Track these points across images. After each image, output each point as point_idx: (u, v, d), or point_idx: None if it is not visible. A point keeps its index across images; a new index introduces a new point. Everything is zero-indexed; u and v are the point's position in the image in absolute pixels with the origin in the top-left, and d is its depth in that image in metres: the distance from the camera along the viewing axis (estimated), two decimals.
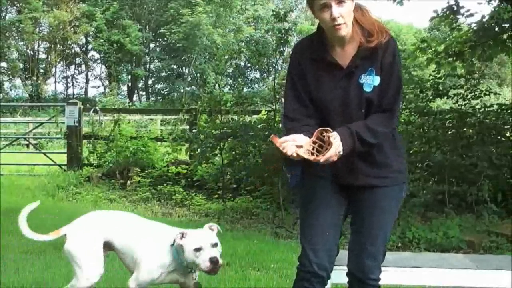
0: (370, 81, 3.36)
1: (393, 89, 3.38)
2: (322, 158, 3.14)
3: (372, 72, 3.36)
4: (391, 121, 3.40)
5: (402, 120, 9.98)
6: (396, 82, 3.39)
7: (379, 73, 3.36)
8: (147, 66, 46.65)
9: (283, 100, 3.69)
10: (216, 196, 10.95)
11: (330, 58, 3.40)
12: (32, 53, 42.94)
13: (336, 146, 3.16)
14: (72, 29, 40.66)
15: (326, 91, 3.40)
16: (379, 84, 3.35)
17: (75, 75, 48.49)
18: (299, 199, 3.72)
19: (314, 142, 3.24)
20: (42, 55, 44.07)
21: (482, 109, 9.84)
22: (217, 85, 37.07)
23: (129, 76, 45.24)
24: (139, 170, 12.39)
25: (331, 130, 3.21)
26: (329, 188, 3.50)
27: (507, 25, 9.97)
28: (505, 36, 10.13)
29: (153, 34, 44.73)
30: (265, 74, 47.03)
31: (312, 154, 3.20)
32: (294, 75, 3.49)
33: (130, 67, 44.22)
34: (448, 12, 10.48)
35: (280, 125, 10.09)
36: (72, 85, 48.36)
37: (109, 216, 4.30)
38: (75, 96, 44.74)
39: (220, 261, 3.83)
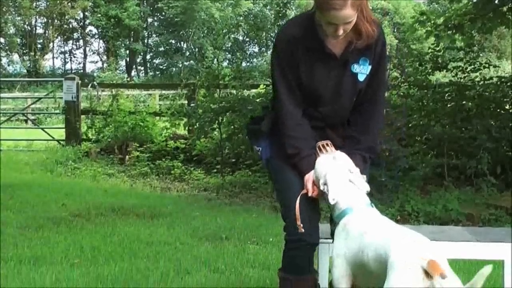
0: (364, 70, 3.38)
1: (380, 78, 3.47)
2: None
3: (366, 62, 3.38)
4: (381, 111, 3.54)
5: (402, 94, 9.96)
6: (383, 72, 3.49)
7: (371, 63, 3.39)
8: (145, 41, 46.48)
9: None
10: (215, 170, 10.94)
11: (327, 49, 3.34)
12: (29, 28, 42.82)
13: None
14: (69, 3, 40.44)
15: (320, 81, 3.38)
16: (369, 73, 3.39)
17: (73, 50, 48.48)
18: (272, 172, 3.69)
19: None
20: (40, 30, 43.94)
21: (482, 82, 9.80)
22: (215, 59, 37.00)
23: (127, 51, 45.09)
24: (137, 145, 12.37)
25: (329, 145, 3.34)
26: None
27: None
28: (505, 9, 10.06)
29: (151, 8, 44.55)
30: (264, 48, 46.91)
31: None
32: (285, 65, 3.40)
33: (128, 42, 44.04)
34: None
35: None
36: (70, 60, 48.37)
37: None
38: (73, 71, 44.62)
39: None
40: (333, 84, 3.38)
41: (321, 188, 3.22)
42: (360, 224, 3.08)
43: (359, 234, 3.03)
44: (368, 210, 3.18)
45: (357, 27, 3.27)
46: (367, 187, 3.23)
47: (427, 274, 2.60)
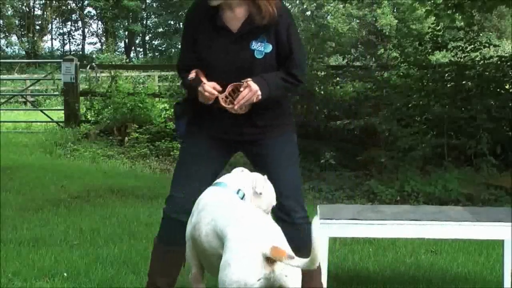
0: (262, 47, 3.44)
1: (299, 53, 3.54)
2: (238, 104, 3.33)
3: (264, 40, 3.44)
4: (303, 75, 3.61)
5: (401, 74, 9.93)
6: (300, 48, 3.58)
7: (272, 42, 3.44)
8: (144, 22, 46.29)
9: None
10: None
11: (219, 22, 3.44)
12: (27, 9, 42.60)
13: (255, 89, 3.32)
14: None
15: (217, 55, 3.45)
16: (271, 51, 3.44)
17: (71, 32, 48.25)
18: (181, 149, 3.85)
19: (226, 97, 3.39)
20: (38, 12, 43.73)
21: (482, 62, 9.76)
22: None
23: (126, 32, 44.91)
24: (137, 126, 12.30)
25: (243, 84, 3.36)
26: (209, 142, 3.61)
27: None
28: None
29: None
30: None
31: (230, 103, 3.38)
32: (190, 30, 3.55)
33: (127, 23, 43.86)
34: None
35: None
36: (69, 41, 48.19)
37: None
38: (72, 52, 44.44)
39: None
40: (230, 58, 3.44)
41: None
42: (206, 199, 3.04)
43: (200, 209, 2.99)
44: (225, 191, 3.10)
45: (255, 2, 3.37)
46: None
47: (268, 260, 2.55)
